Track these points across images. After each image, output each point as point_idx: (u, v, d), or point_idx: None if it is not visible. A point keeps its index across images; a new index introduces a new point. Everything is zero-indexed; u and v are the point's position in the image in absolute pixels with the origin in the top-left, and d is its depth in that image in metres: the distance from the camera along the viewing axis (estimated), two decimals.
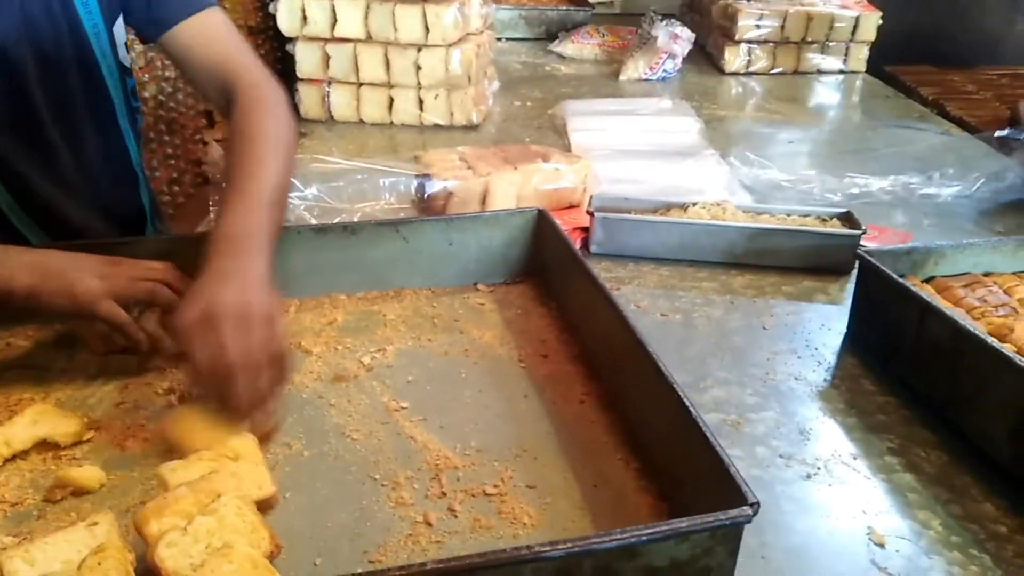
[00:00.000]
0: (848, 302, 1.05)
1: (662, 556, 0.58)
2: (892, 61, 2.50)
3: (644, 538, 0.57)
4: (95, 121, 1.06)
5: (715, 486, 0.62)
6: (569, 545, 0.55)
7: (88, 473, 0.71)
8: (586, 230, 1.22)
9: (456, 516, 0.71)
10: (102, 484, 0.72)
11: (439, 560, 0.54)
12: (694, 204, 1.22)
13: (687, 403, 0.69)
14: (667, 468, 0.73)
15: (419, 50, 1.72)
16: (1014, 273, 1.03)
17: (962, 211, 1.39)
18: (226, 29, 1.07)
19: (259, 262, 0.81)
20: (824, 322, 1.04)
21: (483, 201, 1.29)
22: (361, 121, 1.79)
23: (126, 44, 1.09)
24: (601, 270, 1.13)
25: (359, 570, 0.64)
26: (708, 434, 0.65)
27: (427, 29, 1.68)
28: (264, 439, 0.77)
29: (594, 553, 0.56)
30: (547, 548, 0.55)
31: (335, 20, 1.71)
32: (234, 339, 0.73)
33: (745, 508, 0.58)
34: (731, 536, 0.60)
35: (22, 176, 1.00)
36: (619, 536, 0.56)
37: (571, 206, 1.33)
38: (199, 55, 1.05)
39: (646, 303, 1.08)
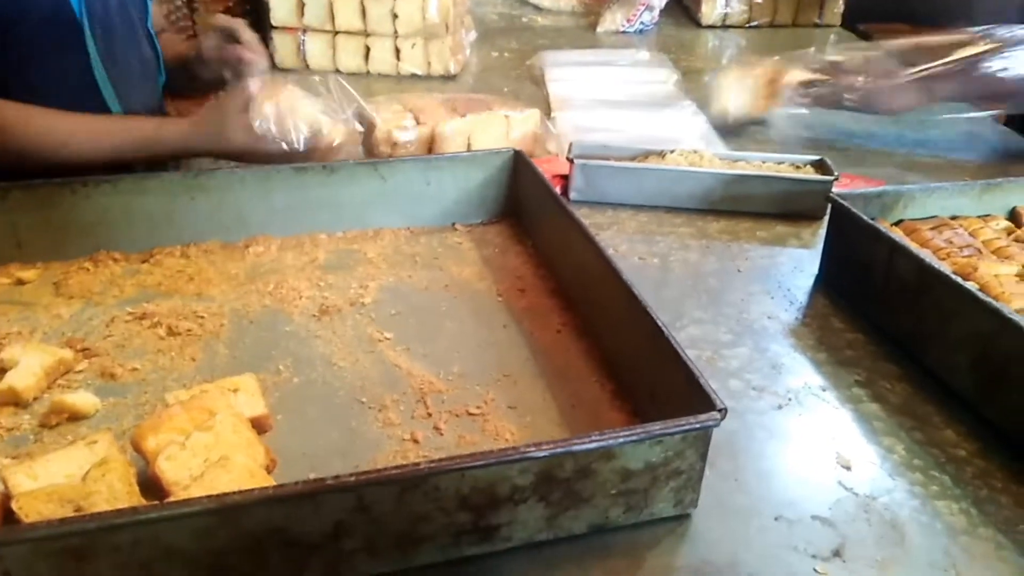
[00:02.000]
0: (820, 246, 1.07)
1: (637, 458, 0.61)
2: (866, 19, 2.52)
3: (621, 440, 0.60)
4: (140, 30, 1.24)
5: (686, 398, 0.65)
6: (552, 446, 0.58)
7: (83, 399, 0.72)
8: (564, 178, 1.23)
9: (442, 434, 0.73)
10: (97, 410, 0.73)
11: (432, 460, 0.56)
12: (671, 152, 1.24)
13: (659, 323, 0.72)
14: (640, 387, 0.76)
15: None
16: (979, 216, 1.06)
17: (932, 160, 1.42)
18: None
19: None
20: (796, 265, 1.07)
21: (429, 151, 1.29)
22: (337, 70, 1.77)
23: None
24: (580, 216, 1.14)
25: None
26: (679, 349, 0.68)
27: None
28: (261, 428, 0.71)
29: (575, 454, 0.59)
30: (532, 449, 0.58)
31: None
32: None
33: (714, 413, 0.61)
34: (701, 440, 0.63)
35: (115, 80, 1.18)
36: (598, 438, 0.59)
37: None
38: None
39: (624, 248, 1.09)
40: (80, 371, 0.79)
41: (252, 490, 0.53)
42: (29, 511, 0.55)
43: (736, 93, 1.49)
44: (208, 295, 0.92)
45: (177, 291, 0.93)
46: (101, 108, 1.15)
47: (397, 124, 1.26)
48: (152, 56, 1.28)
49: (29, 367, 0.74)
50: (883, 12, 3.17)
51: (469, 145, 1.29)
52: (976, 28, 1.49)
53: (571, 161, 1.19)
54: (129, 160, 1.08)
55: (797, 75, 1.43)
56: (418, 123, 1.28)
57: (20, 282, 0.92)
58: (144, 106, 1.24)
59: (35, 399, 0.74)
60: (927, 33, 3.44)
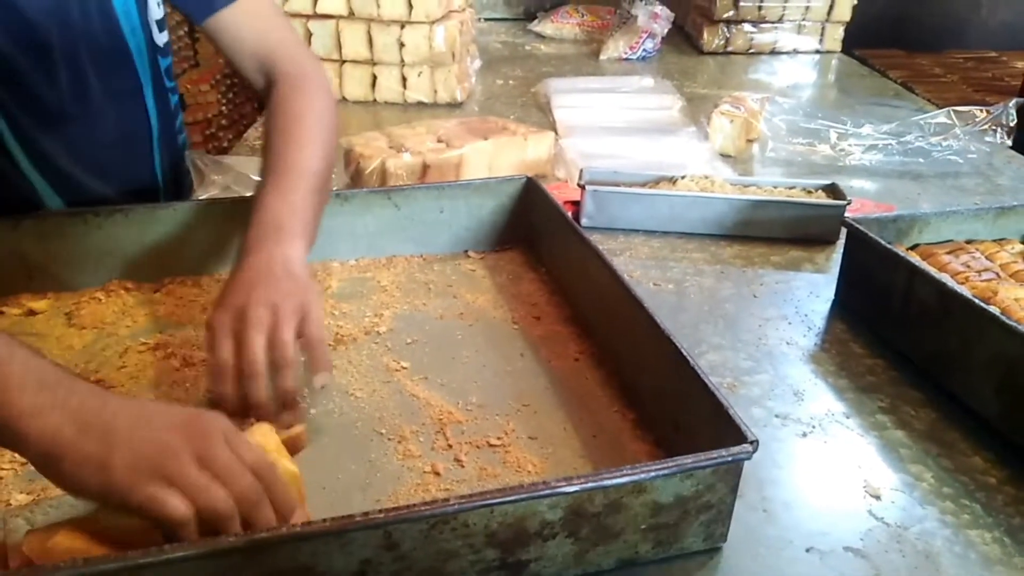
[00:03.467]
0: (834, 271, 1.07)
1: (667, 492, 0.60)
2: (862, 45, 2.54)
3: (652, 474, 0.59)
4: (118, 100, 1.02)
5: (713, 429, 0.64)
6: (583, 480, 0.57)
7: None
8: (575, 204, 1.23)
9: (463, 466, 0.72)
10: None
11: (461, 496, 0.55)
12: (682, 177, 1.24)
13: (683, 351, 0.71)
14: (663, 417, 0.75)
15: (402, 27, 1.71)
16: (995, 240, 1.06)
17: (940, 184, 1.42)
18: (271, 10, 1.05)
19: (296, 251, 0.79)
20: (812, 290, 1.06)
21: (457, 174, 1.30)
22: (344, 99, 1.78)
23: (162, 23, 1.05)
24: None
25: None
26: (706, 379, 0.67)
27: (410, 6, 1.68)
28: (294, 447, 0.66)
29: (606, 488, 0.58)
30: (563, 483, 0.56)
31: None
32: (258, 339, 0.69)
33: (746, 445, 0.60)
34: (732, 473, 0.62)
35: (40, 144, 0.97)
36: (629, 472, 0.58)
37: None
38: (242, 38, 1.02)
39: (638, 273, 1.09)
40: None
41: (279, 527, 0.52)
42: (36, 549, 0.53)
43: (720, 133, 1.51)
44: None
45: (190, 321, 0.92)
46: (62, 113, 0.97)
47: (391, 154, 1.27)
48: (139, 129, 1.06)
49: None
50: (880, 38, 3.21)
51: (491, 167, 1.30)
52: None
53: (583, 187, 1.19)
54: None
55: None
56: (448, 147, 1.30)
57: (31, 312, 0.91)
58: (122, 123, 1.04)
59: None
60: (921, 58, 3.48)
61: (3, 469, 0.69)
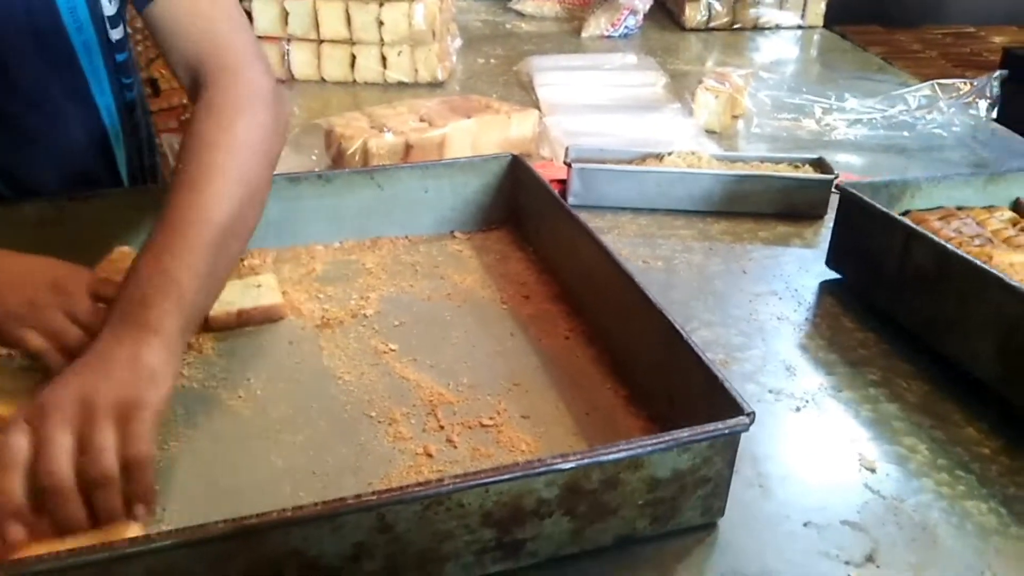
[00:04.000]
0: (823, 245, 1.06)
1: (664, 467, 0.59)
2: (840, 21, 2.53)
3: (649, 448, 0.58)
4: (65, 95, 0.95)
5: (707, 403, 0.64)
6: (579, 457, 0.56)
7: None
8: (561, 182, 1.21)
9: (455, 447, 0.70)
10: None
11: (456, 475, 0.54)
12: (669, 154, 1.23)
13: (676, 326, 0.70)
14: (656, 393, 0.74)
15: (381, 5, 1.68)
16: (984, 207, 1.05)
17: (925, 157, 1.42)
18: (218, 2, 0.89)
19: (157, 338, 0.63)
20: (801, 265, 1.05)
21: (440, 153, 1.28)
22: (323, 80, 1.75)
23: (115, 20, 0.97)
24: None
25: None
26: (700, 353, 0.67)
27: None
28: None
29: (602, 464, 0.57)
30: (559, 460, 0.55)
31: None
32: (59, 439, 0.56)
33: (743, 418, 0.60)
34: (729, 446, 0.61)
35: None
36: (626, 447, 0.57)
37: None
38: (175, 31, 0.87)
39: (627, 251, 1.08)
40: None
41: (270, 513, 0.51)
42: None
43: (705, 109, 1.50)
44: None
45: None
46: (9, 109, 0.90)
47: (373, 134, 1.25)
48: (95, 128, 0.99)
49: None
50: (859, 14, 3.20)
51: (474, 146, 1.29)
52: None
53: (569, 165, 1.18)
54: None
55: None
56: (430, 126, 1.28)
57: None
58: (72, 119, 0.97)
59: None
60: (900, 34, 3.48)
61: None
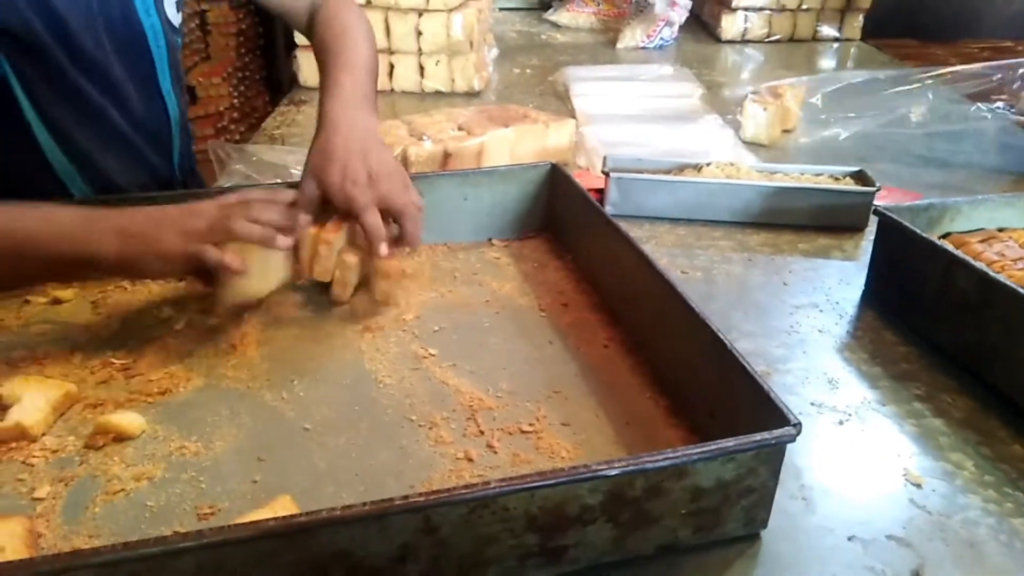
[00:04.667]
0: (864, 258, 1.05)
1: (709, 476, 0.59)
2: (876, 35, 2.52)
3: (694, 457, 0.58)
4: (134, 81, 1.03)
5: (751, 414, 0.63)
6: (624, 464, 0.56)
7: (128, 419, 0.70)
8: (599, 192, 1.21)
9: (496, 452, 0.71)
10: (143, 431, 0.71)
11: (501, 479, 0.54)
12: (707, 164, 1.22)
13: (720, 335, 0.70)
14: (698, 403, 0.74)
15: (420, 15, 1.70)
16: None
17: (964, 172, 1.41)
18: None
19: (376, 123, 0.95)
20: (842, 277, 1.04)
21: (478, 161, 1.29)
22: None
23: (180, 3, 1.07)
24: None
25: None
26: (745, 363, 0.66)
27: None
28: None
29: (647, 472, 0.57)
30: (604, 467, 0.55)
31: None
32: (368, 181, 0.86)
33: (789, 428, 0.59)
34: (774, 456, 0.61)
35: (62, 126, 0.97)
36: (671, 455, 0.57)
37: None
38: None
39: (665, 261, 1.07)
40: (125, 391, 0.77)
41: (319, 512, 0.51)
42: None
43: (753, 121, 1.49)
44: (245, 313, 0.90)
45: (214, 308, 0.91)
46: (34, 152, 0.97)
47: (412, 142, 1.26)
48: (159, 114, 1.09)
49: (34, 402, 0.72)
50: (896, 27, 3.18)
51: (512, 155, 1.30)
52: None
53: (607, 175, 1.18)
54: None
55: None
56: (468, 134, 1.29)
57: (57, 301, 0.90)
58: (122, 171, 1.05)
59: (44, 434, 0.71)
60: (936, 48, 3.45)
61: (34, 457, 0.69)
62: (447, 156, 1.27)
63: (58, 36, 0.91)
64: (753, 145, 1.47)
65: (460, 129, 1.32)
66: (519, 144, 1.33)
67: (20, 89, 0.92)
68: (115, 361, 0.81)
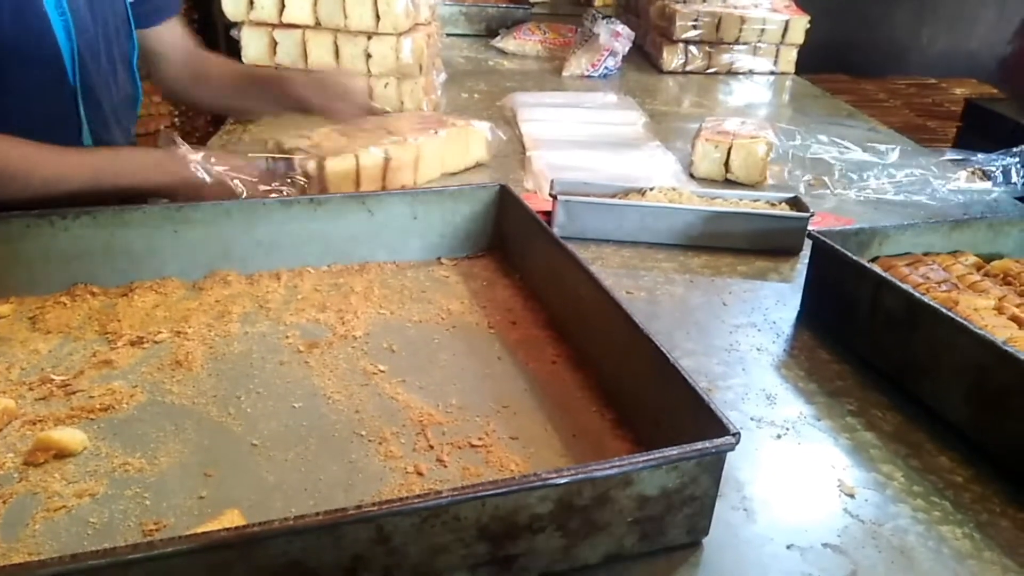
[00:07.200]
0: (799, 280, 1.09)
1: (653, 484, 0.61)
2: (808, 70, 2.63)
3: (639, 465, 0.59)
4: (120, 118, 1.25)
5: (693, 425, 0.65)
6: (573, 472, 0.57)
7: (70, 435, 0.69)
8: (546, 214, 1.24)
9: (446, 466, 0.71)
10: (85, 447, 0.70)
11: (455, 488, 0.55)
12: (651, 189, 1.26)
13: (663, 350, 0.72)
14: (642, 416, 0.76)
15: (369, 38, 1.70)
16: (950, 253, 1.09)
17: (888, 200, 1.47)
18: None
19: None
20: (779, 298, 1.08)
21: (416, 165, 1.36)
22: None
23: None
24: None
25: None
26: (686, 375, 0.68)
27: (378, 17, 1.67)
28: None
29: (594, 480, 0.58)
30: (553, 475, 0.57)
31: (283, 5, 1.68)
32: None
33: (729, 438, 0.62)
34: (715, 465, 0.63)
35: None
36: (618, 463, 0.59)
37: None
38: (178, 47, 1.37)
39: (610, 282, 1.08)
40: (66, 407, 0.76)
41: (271, 522, 0.51)
42: None
43: (706, 160, 1.50)
44: (191, 329, 0.89)
45: (159, 325, 0.90)
46: (77, 143, 1.15)
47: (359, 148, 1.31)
48: (132, 94, 1.29)
49: None
50: (826, 63, 3.31)
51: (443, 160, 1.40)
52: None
53: (554, 197, 1.20)
54: (94, 192, 1.06)
55: None
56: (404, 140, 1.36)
57: None
58: (118, 142, 1.24)
59: None
60: (866, 83, 3.58)
61: None
62: (388, 162, 1.30)
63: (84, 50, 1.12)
64: (705, 181, 1.49)
65: (390, 133, 1.35)
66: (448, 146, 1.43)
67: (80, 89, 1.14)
68: (55, 377, 0.80)
